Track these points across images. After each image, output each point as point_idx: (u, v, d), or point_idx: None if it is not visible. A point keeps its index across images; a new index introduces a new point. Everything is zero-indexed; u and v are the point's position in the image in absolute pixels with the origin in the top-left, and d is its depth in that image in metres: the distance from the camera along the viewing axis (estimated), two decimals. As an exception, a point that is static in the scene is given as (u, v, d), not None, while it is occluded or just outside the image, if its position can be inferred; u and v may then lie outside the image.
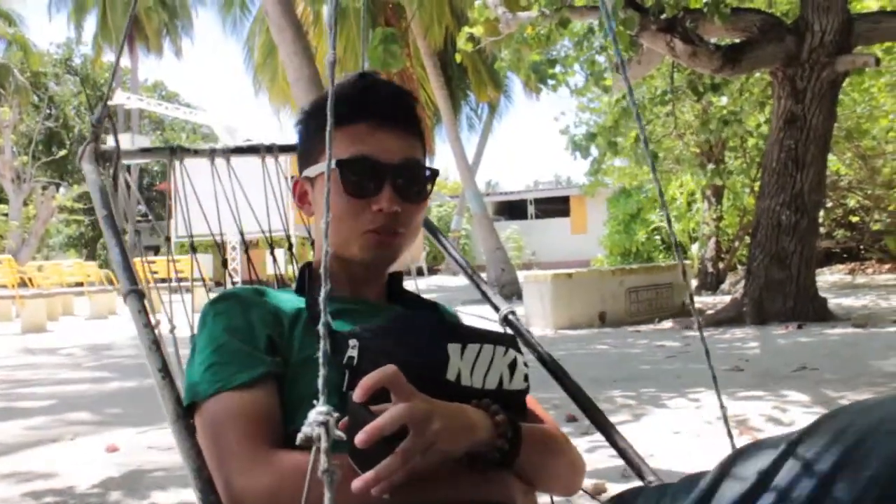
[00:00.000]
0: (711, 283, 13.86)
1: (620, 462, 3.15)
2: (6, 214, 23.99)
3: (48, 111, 29.93)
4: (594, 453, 3.24)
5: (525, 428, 0.99)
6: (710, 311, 9.40)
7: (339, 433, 0.66)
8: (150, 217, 32.69)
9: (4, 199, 24.47)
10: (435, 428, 0.85)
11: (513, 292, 14.20)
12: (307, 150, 1.19)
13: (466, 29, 9.07)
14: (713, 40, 8.31)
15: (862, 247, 16.25)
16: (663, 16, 7.57)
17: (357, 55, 15.41)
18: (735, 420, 3.71)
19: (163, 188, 27.00)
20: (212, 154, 1.50)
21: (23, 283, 14.84)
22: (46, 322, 12.17)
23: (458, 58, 9.90)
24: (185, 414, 1.01)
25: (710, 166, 12.91)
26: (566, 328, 8.62)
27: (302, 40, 7.62)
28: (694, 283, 13.88)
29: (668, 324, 8.63)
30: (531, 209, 30.09)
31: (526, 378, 1.11)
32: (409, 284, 1.31)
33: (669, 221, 1.28)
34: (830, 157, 11.99)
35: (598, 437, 3.59)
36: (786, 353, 5.90)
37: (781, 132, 8.09)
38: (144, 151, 1.55)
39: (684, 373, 5.18)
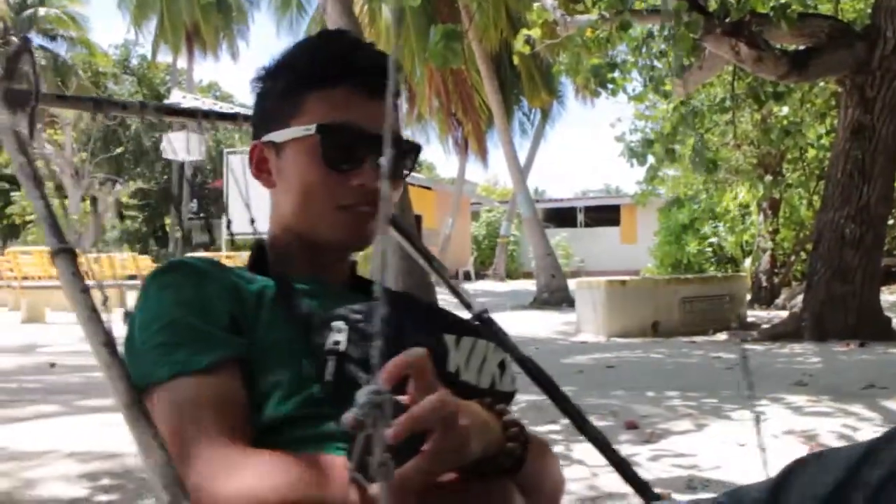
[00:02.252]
0: (765, 297, 13.53)
1: (685, 472, 3.02)
2: (66, 209, 24.54)
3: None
4: (657, 462, 3.13)
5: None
6: (765, 325, 9.16)
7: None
8: (202, 215, 33.23)
9: (64, 194, 25.08)
10: (464, 425, 0.73)
11: (562, 299, 14.05)
12: (274, 110, 1.02)
13: (524, 31, 8.98)
14: (778, 46, 8.10)
15: (926, 266, 15.71)
16: (728, 19, 7.38)
17: (413, 53, 15.41)
18: (804, 435, 3.56)
19: (217, 185, 27.35)
20: (142, 110, 1.36)
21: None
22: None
23: (514, 59, 9.83)
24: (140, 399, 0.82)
25: (768, 178, 12.61)
26: (618, 336, 8.46)
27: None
28: (747, 297, 13.57)
29: (723, 336, 8.42)
30: (580, 217, 29.84)
31: (514, 381, 0.99)
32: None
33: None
34: None
35: (663, 444, 3.47)
36: (850, 370, 5.68)
37: (848, 142, 7.83)
38: (61, 98, 1.44)
39: (745, 385, 5.01)
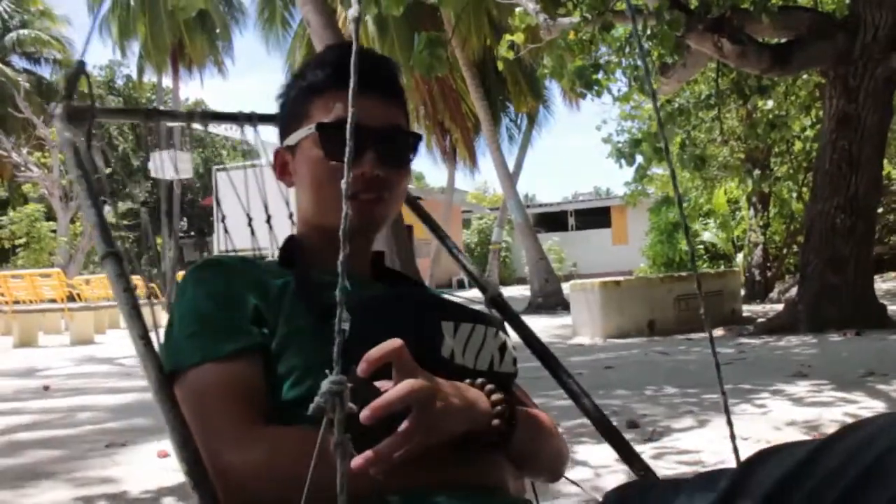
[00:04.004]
0: (759, 291, 13.56)
1: (689, 469, 3.00)
2: (55, 231, 24.45)
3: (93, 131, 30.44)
4: (661, 459, 3.12)
5: (519, 410, 0.97)
6: (760, 320, 9.17)
7: (352, 405, 0.63)
8: (192, 233, 33.18)
9: (53, 216, 24.94)
10: (438, 407, 0.82)
11: (557, 303, 14.03)
12: (289, 118, 1.14)
13: (507, 37, 8.99)
14: (760, 40, 8.13)
15: (916, 253, 15.78)
16: (710, 15, 7.41)
17: (398, 62, 15.40)
18: (807, 426, 3.56)
19: (207, 203, 27.31)
20: (189, 118, 1.47)
21: (71, 297, 15.06)
22: (94, 334, 12.30)
23: (499, 66, 9.83)
24: (168, 383, 0.94)
25: (756, 172, 12.65)
26: (615, 337, 8.45)
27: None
28: (741, 291, 13.60)
29: (719, 332, 8.42)
30: (571, 220, 29.87)
31: (515, 362, 1.06)
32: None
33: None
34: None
35: (665, 442, 3.44)
36: (849, 359, 5.68)
37: (834, 133, 7.86)
38: (119, 111, 1.55)
39: (745, 379, 5.00)
